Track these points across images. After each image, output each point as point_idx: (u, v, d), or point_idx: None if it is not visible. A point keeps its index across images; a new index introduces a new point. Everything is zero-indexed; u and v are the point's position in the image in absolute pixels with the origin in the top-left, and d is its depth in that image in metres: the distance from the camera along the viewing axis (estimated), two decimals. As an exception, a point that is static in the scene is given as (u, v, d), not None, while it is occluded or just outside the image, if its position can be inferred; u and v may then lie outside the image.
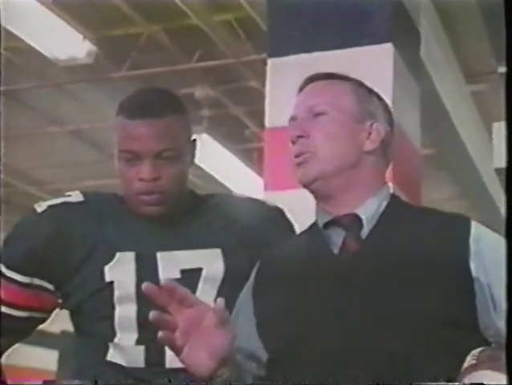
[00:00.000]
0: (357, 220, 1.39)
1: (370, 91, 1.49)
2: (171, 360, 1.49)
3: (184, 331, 1.24)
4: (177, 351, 1.26)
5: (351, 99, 1.44)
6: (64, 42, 5.42)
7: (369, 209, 1.40)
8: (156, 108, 1.54)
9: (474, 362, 1.17)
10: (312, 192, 1.44)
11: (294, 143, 1.43)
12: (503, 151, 1.12)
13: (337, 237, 1.39)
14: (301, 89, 1.50)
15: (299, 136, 1.42)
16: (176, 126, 1.57)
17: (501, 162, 5.30)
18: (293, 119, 1.46)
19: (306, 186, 1.43)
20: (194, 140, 1.64)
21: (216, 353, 1.25)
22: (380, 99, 1.49)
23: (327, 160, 1.40)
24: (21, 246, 1.58)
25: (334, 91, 1.46)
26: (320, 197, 1.44)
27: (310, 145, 1.41)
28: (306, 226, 1.51)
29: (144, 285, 1.25)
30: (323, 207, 1.43)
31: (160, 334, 1.23)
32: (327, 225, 1.42)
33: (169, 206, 1.57)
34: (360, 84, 1.49)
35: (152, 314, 1.22)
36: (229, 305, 1.49)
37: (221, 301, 1.26)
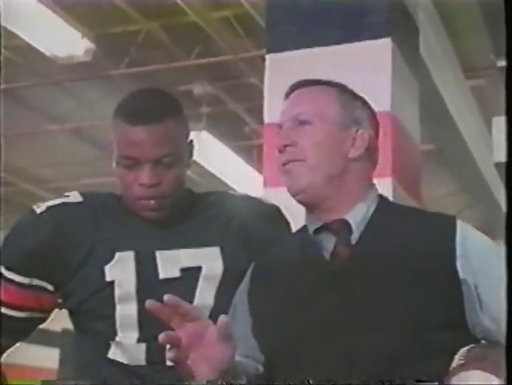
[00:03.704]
0: (346, 225, 1.41)
1: (355, 96, 1.49)
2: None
3: (186, 345, 1.24)
4: (180, 365, 1.26)
5: (335, 108, 1.45)
6: (63, 39, 5.42)
7: (358, 215, 1.42)
8: (155, 114, 1.54)
9: (462, 361, 1.17)
10: (300, 202, 1.44)
11: (281, 152, 1.43)
12: (503, 145, 1.11)
13: (328, 242, 1.41)
14: (287, 95, 1.50)
15: (286, 145, 1.42)
16: (175, 130, 1.57)
17: (500, 156, 5.30)
18: (279, 126, 1.47)
19: (293, 196, 1.43)
20: (191, 141, 1.64)
21: (217, 366, 1.25)
22: (365, 103, 1.50)
23: (314, 169, 1.40)
24: (20, 247, 1.58)
25: (318, 100, 1.46)
26: (308, 206, 1.45)
27: (297, 153, 1.42)
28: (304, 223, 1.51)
29: (148, 303, 1.25)
30: (312, 213, 1.44)
31: (169, 355, 1.24)
32: (317, 231, 1.43)
33: (168, 209, 1.57)
34: (345, 90, 1.49)
35: (160, 337, 1.22)
36: (228, 302, 1.50)
37: (223, 317, 1.26)
